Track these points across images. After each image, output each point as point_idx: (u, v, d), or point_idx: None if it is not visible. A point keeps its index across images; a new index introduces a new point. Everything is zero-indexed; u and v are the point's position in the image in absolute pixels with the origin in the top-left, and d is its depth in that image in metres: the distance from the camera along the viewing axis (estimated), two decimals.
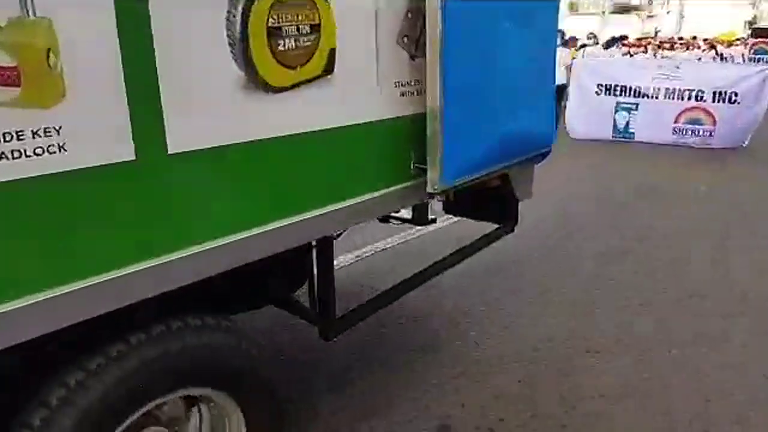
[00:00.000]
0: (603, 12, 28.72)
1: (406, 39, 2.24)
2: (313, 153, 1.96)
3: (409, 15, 2.22)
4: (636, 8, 30.38)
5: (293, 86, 1.84)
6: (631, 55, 11.99)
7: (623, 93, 9.48)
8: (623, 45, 12.79)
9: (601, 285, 4.19)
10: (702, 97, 9.04)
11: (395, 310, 3.46)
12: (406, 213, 3.57)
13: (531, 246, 4.83)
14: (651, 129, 9.32)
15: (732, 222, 5.63)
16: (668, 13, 29.31)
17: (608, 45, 14.36)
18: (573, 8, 30.91)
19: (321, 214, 1.99)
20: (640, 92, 9.37)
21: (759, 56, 15.16)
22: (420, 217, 3.55)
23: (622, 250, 4.84)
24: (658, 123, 9.27)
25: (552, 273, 4.39)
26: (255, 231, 1.80)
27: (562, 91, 10.03)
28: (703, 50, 14.16)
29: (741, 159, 8.60)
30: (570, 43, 12.77)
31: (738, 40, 17.39)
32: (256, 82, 1.72)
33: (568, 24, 21.54)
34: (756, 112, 8.93)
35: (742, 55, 14.50)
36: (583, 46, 13.11)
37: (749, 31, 22.05)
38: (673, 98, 9.21)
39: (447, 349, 3.30)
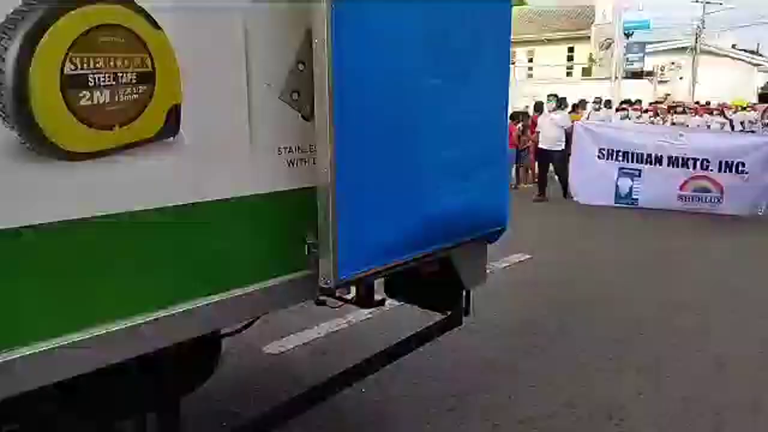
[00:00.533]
0: (616, 77, 29.01)
1: (296, 95, 1.79)
2: (148, 238, 1.50)
3: (301, 67, 1.79)
4: (649, 73, 30.54)
5: (107, 152, 1.39)
6: (630, 119, 11.52)
7: (626, 159, 9.01)
8: (620, 109, 12.25)
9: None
10: (707, 167, 8.54)
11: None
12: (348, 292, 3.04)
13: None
14: (656, 196, 8.80)
15: None
16: (681, 78, 29.29)
17: (619, 109, 14.00)
18: (586, 73, 31.11)
19: (150, 321, 1.50)
20: (642, 158, 8.90)
21: None
22: (365, 299, 3.02)
23: None
24: (662, 190, 8.75)
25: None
26: (43, 346, 1.32)
27: (559, 156, 9.74)
28: (716, 113, 13.65)
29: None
30: (579, 107, 12.43)
31: (751, 105, 16.92)
32: (38, 145, 1.27)
33: (583, 89, 21.39)
34: (766, 183, 8.40)
35: (757, 121, 13.96)
36: (598, 108, 12.68)
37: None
38: (678, 166, 8.72)
39: None
